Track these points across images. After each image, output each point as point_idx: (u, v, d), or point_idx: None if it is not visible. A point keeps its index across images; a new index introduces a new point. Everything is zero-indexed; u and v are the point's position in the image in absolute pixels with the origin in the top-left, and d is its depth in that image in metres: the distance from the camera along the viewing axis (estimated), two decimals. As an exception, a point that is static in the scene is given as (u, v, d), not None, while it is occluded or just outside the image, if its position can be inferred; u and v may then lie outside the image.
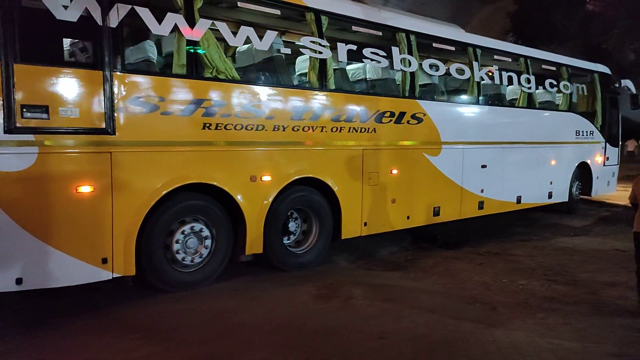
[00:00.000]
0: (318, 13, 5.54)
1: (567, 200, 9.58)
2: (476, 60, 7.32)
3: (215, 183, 4.77)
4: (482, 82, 7.42)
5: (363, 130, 5.91)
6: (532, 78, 8.26)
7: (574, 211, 9.92)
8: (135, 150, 4.31)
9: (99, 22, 4.07)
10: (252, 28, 5.04)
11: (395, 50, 6.22)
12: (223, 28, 4.84)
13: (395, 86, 6.45)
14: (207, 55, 4.69)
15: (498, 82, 7.75)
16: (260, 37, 5.09)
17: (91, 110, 4.05)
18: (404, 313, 4.40)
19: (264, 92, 5.12)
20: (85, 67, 4.08)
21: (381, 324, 4.14)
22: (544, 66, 8.83)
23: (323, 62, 5.52)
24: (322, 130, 5.54)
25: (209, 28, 4.71)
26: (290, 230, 5.61)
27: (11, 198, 3.76)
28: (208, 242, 4.89)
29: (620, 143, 11.42)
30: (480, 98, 7.42)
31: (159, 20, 4.44)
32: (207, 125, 4.68)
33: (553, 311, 4.48)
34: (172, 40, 4.61)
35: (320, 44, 5.49)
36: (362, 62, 6.19)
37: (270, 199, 5.19)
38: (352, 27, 5.98)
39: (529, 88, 8.23)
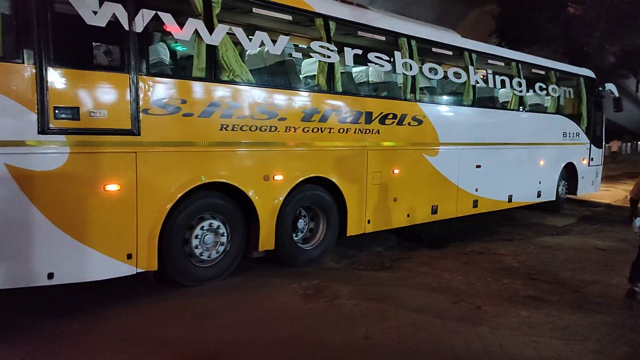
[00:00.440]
0: (326, 18, 5.84)
1: (554, 199, 10.10)
2: (472, 64, 7.73)
3: (231, 182, 5.04)
4: (477, 85, 7.83)
5: (368, 131, 6.24)
6: (523, 82, 8.72)
7: (560, 210, 10.44)
8: (159, 150, 4.55)
9: (126, 27, 4.30)
10: (266, 33, 5.31)
11: (397, 54, 6.56)
12: (239, 33, 5.10)
13: (398, 89, 6.79)
14: (225, 59, 4.95)
15: (492, 86, 8.19)
16: (273, 42, 5.38)
17: (118, 112, 4.27)
18: (390, 313, 4.49)
19: (276, 94, 5.41)
20: (113, 70, 4.29)
21: (367, 323, 4.23)
22: (533, 70, 9.30)
23: (331, 65, 5.83)
24: (330, 132, 5.85)
25: (227, 33, 4.97)
26: (298, 228, 5.90)
27: (44, 196, 3.96)
28: (224, 238, 5.16)
29: (604, 144, 12.03)
30: (476, 101, 7.82)
31: (181, 25, 4.69)
32: (225, 126, 4.95)
33: (536, 309, 4.64)
34: (193, 45, 4.84)
35: (328, 49, 5.79)
36: (367, 65, 6.52)
37: (282, 197, 5.48)
38: (358, 32, 6.29)
39: (520, 91, 8.69)
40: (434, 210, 7.31)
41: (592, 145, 11.08)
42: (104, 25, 4.18)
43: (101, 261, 4.28)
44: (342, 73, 6.06)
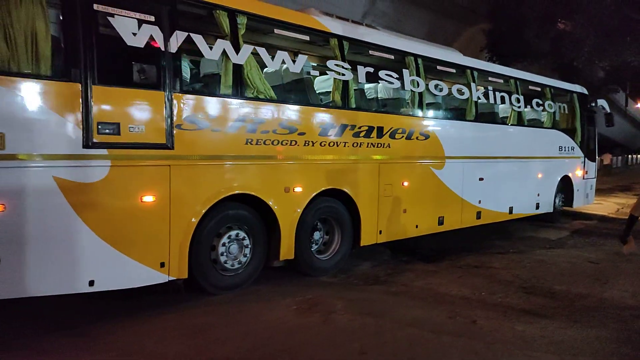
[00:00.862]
0: (341, 39, 6.26)
1: (551, 211, 10.58)
2: (474, 81, 8.21)
3: (256, 194, 5.38)
4: (479, 101, 8.30)
5: (379, 145, 6.64)
6: (522, 98, 9.23)
7: (557, 221, 10.92)
8: (190, 163, 4.88)
9: (162, 48, 4.66)
10: (286, 52, 5.70)
11: (405, 72, 7.00)
12: (263, 52, 5.48)
13: (406, 105, 7.22)
14: (249, 77, 5.32)
15: (492, 102, 8.67)
16: (293, 61, 5.77)
17: (154, 127, 4.60)
18: (385, 327, 4.53)
19: (296, 110, 5.78)
20: (150, 88, 4.62)
21: (362, 338, 4.27)
22: (530, 87, 9.84)
23: (345, 83, 6.23)
24: (345, 146, 6.23)
25: (251, 52, 5.34)
26: (314, 239, 6.24)
27: (87, 207, 4.26)
28: (247, 248, 5.47)
29: (597, 158, 12.60)
30: (478, 116, 8.28)
31: (210, 45, 5.06)
32: (249, 140, 5.30)
33: (531, 324, 4.71)
34: (221, 64, 5.21)
35: (343, 67, 6.20)
36: (378, 83, 6.94)
37: (301, 209, 5.82)
38: (369, 51, 6.72)
39: (519, 107, 9.19)
40: (441, 222, 7.70)
41: (586, 158, 11.62)
42: (142, 45, 4.54)
43: (137, 269, 4.57)
44: (355, 90, 6.46)
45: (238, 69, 5.22)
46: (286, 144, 5.63)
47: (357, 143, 6.36)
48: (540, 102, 9.93)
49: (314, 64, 6.55)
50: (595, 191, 12.66)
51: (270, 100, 5.51)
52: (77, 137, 4.16)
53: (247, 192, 5.33)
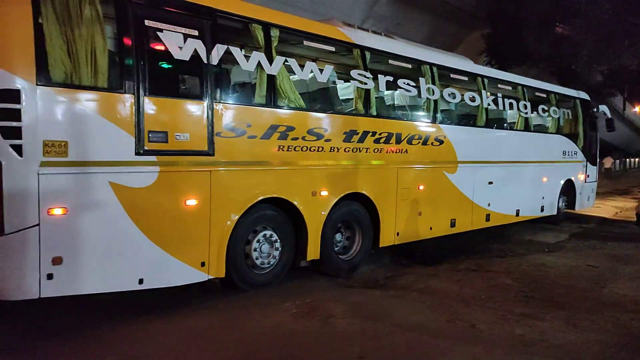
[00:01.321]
0: (363, 49, 6.68)
1: (555, 213, 11.09)
2: (484, 88, 8.67)
3: (287, 197, 5.78)
4: (489, 107, 8.77)
5: (398, 151, 7.07)
6: (529, 104, 9.72)
7: (560, 223, 11.42)
8: (229, 169, 5.27)
9: (204, 60, 5.05)
10: (314, 63, 6.12)
11: (422, 80, 7.44)
12: (293, 63, 5.89)
13: (422, 112, 7.65)
14: (282, 86, 5.72)
15: (501, 108, 9.15)
16: (320, 71, 6.19)
17: (197, 135, 4.98)
18: (384, 331, 4.59)
19: (323, 118, 6.20)
20: (194, 98, 5.02)
21: (361, 342, 4.32)
22: (536, 93, 10.34)
23: (367, 91, 6.65)
24: (366, 151, 6.65)
25: (282, 63, 5.74)
26: (336, 240, 6.65)
27: (137, 210, 4.63)
28: (277, 249, 5.87)
29: (598, 162, 13.15)
30: (487, 122, 8.75)
31: (247, 57, 5.46)
32: (281, 147, 5.70)
33: (530, 328, 4.78)
34: (256, 74, 5.61)
35: (365, 76, 6.62)
36: (396, 90, 7.38)
37: (327, 212, 6.22)
38: (389, 60, 7.15)
39: (526, 113, 9.68)
40: (453, 224, 8.15)
41: (588, 163, 12.17)
42: (187, 58, 4.92)
43: (180, 268, 4.96)
44: (376, 98, 6.88)
45: (271, 79, 5.61)
46: (314, 150, 6.03)
47: (378, 149, 6.79)
48: (546, 108, 10.43)
49: (338, 73, 6.95)
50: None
51: (300, 108, 5.92)
52: (130, 145, 4.54)
53: (279, 196, 5.73)
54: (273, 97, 5.66)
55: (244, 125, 5.38)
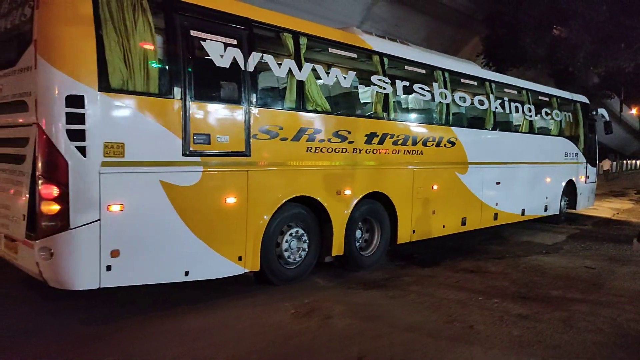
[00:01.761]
0: (381, 55, 7.19)
1: (558, 213, 11.71)
2: (492, 92, 9.24)
3: (314, 196, 6.26)
4: (496, 110, 9.33)
5: (414, 152, 7.58)
6: (533, 107, 10.31)
7: (562, 223, 12.02)
8: (263, 169, 5.75)
9: (242, 67, 5.52)
10: (338, 69, 6.62)
11: (435, 85, 7.97)
12: (320, 69, 6.38)
13: (436, 115, 8.19)
14: (310, 91, 6.21)
15: (508, 111, 9.72)
16: (344, 77, 6.69)
17: (236, 137, 5.45)
18: (383, 332, 4.70)
19: (347, 121, 6.69)
20: (233, 103, 5.48)
21: (360, 343, 4.43)
22: (540, 97, 10.95)
23: (386, 96, 7.16)
24: (386, 153, 7.15)
25: (310, 70, 6.23)
26: (357, 237, 7.14)
27: (184, 206, 5.08)
28: (305, 244, 6.34)
29: (597, 163, 13.81)
30: (495, 124, 9.31)
31: (279, 64, 5.94)
32: (309, 148, 6.18)
33: (527, 329, 4.91)
34: (286, 80, 6.09)
35: (384, 81, 7.13)
36: (412, 95, 7.90)
37: (350, 210, 6.72)
38: (405, 66, 7.67)
39: (531, 116, 10.27)
40: (464, 222, 8.69)
41: (588, 164, 12.83)
42: (227, 66, 5.40)
43: (221, 262, 5.42)
44: (394, 102, 7.40)
45: (300, 84, 6.10)
46: (338, 151, 6.52)
47: (396, 150, 7.30)
48: (549, 111, 11.04)
49: (359, 79, 7.45)
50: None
51: (326, 112, 6.41)
52: (177, 146, 4.99)
53: (307, 195, 6.20)
54: (302, 101, 6.14)
55: (276, 128, 5.85)
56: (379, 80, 7.09)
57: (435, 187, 8.04)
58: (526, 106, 10.18)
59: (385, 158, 7.17)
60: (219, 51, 5.34)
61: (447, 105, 8.17)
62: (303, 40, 6.17)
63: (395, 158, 7.32)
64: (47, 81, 4.36)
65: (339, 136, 6.53)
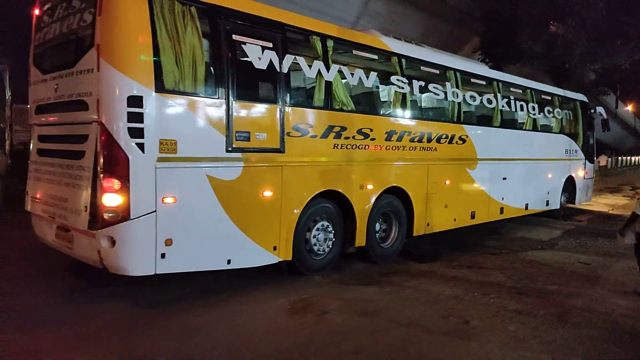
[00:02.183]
0: (400, 56, 7.75)
1: (558, 207, 12.40)
2: (499, 91, 9.85)
3: (341, 190, 6.80)
4: (503, 109, 9.95)
5: (429, 149, 8.16)
6: (537, 106, 10.96)
7: (561, 217, 12.71)
8: (295, 164, 6.26)
9: (278, 69, 6.04)
10: (362, 70, 7.16)
11: (447, 84, 8.55)
12: (345, 71, 6.92)
13: (448, 113, 8.76)
14: (336, 91, 6.74)
15: (513, 110, 10.34)
16: (367, 77, 7.23)
17: (272, 135, 5.96)
18: (379, 327, 4.81)
19: (369, 119, 7.24)
20: (270, 102, 5.98)
21: (356, 338, 4.53)
22: (542, 96, 11.60)
23: (404, 95, 7.72)
24: (403, 149, 7.71)
25: (337, 71, 6.76)
26: (376, 230, 7.69)
27: (227, 199, 5.59)
28: (331, 235, 6.88)
29: (595, 160, 14.54)
30: (502, 122, 9.92)
31: (309, 66, 6.46)
32: (336, 145, 6.72)
33: (523, 324, 5.03)
34: (315, 81, 6.61)
35: (402, 81, 7.68)
36: (427, 94, 8.47)
37: (371, 203, 7.27)
38: (420, 67, 8.23)
39: (534, 114, 10.91)
40: (473, 216, 9.31)
41: (586, 160, 13.54)
42: (265, 68, 5.91)
43: (258, 251, 5.94)
44: (411, 101, 7.96)
45: (328, 84, 6.62)
46: (362, 148, 7.07)
47: (413, 147, 7.87)
48: (551, 109, 11.71)
49: (379, 79, 7.99)
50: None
51: (351, 111, 6.95)
52: (222, 143, 5.49)
53: (334, 189, 6.74)
54: (330, 100, 6.66)
55: (307, 126, 6.38)
56: (398, 80, 7.64)
57: (447, 182, 8.63)
58: (530, 105, 10.82)
59: (404, 154, 7.73)
60: (257, 54, 5.85)
61: (459, 103, 8.75)
62: (330, 43, 6.69)
63: (411, 154, 7.88)
64: (110, 83, 4.85)
65: (362, 133, 7.07)
